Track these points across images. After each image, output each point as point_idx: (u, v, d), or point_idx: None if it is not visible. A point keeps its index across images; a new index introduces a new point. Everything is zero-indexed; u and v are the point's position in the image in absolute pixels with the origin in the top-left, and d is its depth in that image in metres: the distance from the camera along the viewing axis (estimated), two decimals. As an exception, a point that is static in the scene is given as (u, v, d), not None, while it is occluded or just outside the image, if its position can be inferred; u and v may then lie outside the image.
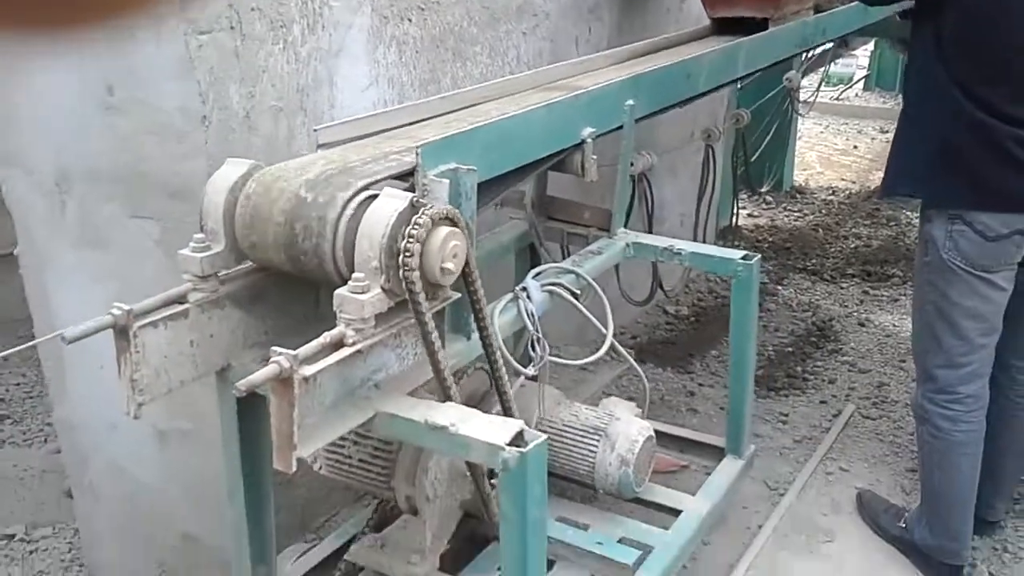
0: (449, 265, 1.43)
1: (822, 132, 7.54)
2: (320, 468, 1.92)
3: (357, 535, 1.97)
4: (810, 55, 4.36)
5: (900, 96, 8.18)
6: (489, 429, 1.42)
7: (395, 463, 1.82)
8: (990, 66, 2.02)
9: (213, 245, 1.53)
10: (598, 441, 2.07)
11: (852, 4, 3.21)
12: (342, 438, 1.84)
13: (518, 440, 1.41)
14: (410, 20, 2.27)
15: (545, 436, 1.42)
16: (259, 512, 1.76)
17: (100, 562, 2.48)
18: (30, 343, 2.18)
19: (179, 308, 1.50)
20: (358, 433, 1.87)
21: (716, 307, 4.12)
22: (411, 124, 1.85)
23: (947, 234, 2.15)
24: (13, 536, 2.76)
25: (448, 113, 1.94)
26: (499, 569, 1.94)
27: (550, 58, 2.80)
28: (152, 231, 1.98)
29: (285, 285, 1.67)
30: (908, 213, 5.40)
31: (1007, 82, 2.02)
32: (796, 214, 5.43)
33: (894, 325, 3.97)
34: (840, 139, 7.40)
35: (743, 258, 2.17)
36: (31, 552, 2.71)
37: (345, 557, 1.90)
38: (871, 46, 7.45)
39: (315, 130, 1.67)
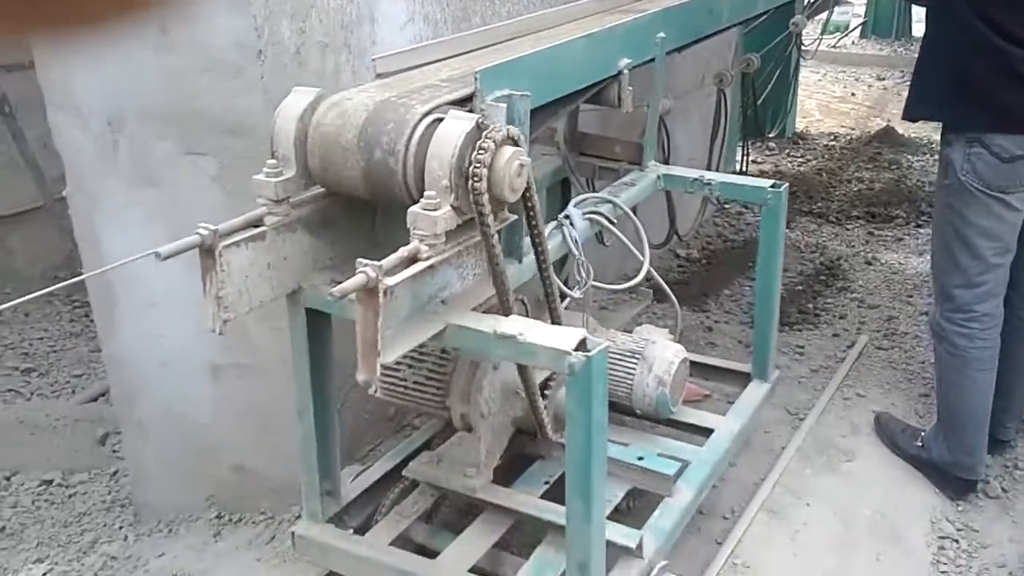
0: (515, 183, 1.52)
1: (820, 80, 7.60)
2: (376, 392, 2.01)
3: (412, 454, 2.07)
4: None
5: (896, 43, 8.19)
6: (555, 336, 1.51)
7: (450, 383, 1.91)
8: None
9: (285, 170, 1.61)
10: (636, 363, 2.17)
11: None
12: (398, 362, 1.93)
13: (582, 346, 1.50)
14: (443, -41, 2.32)
15: (606, 342, 1.52)
16: (326, 429, 1.85)
17: (148, 498, 2.57)
18: (82, 276, 2.27)
19: (256, 231, 1.58)
20: (413, 356, 1.96)
21: (725, 250, 4.22)
22: (458, 55, 1.91)
23: (965, 156, 2.24)
24: (51, 481, 2.83)
25: (490, 45, 2.01)
26: (546, 482, 2.05)
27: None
28: (208, 167, 2.05)
29: (349, 211, 1.75)
30: (909, 156, 5.50)
31: (1017, 4, 2.10)
32: (799, 159, 5.52)
33: (900, 263, 4.08)
34: (838, 87, 7.47)
35: (772, 186, 2.26)
36: (70, 496, 2.80)
37: (404, 472, 2.00)
38: (868, -7, 7.49)
39: (373, 60, 1.74)
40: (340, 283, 1.63)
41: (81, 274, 2.30)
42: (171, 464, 2.47)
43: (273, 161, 1.61)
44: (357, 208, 1.76)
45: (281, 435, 2.29)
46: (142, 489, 2.55)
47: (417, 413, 2.18)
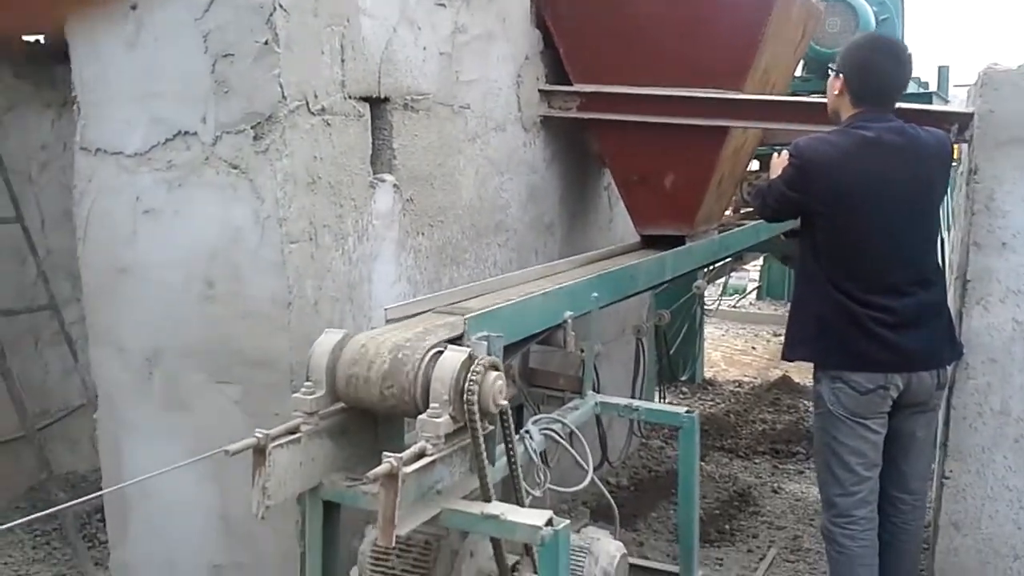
0: (498, 399, 2.04)
1: (723, 335, 8.52)
2: (367, 581, 2.38)
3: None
4: (713, 267, 5.30)
5: (788, 303, 9.22)
6: (529, 516, 1.98)
7: (433, 569, 2.31)
8: (848, 268, 2.82)
9: (317, 390, 2.10)
10: (584, 557, 2.59)
11: (747, 226, 4.10)
12: (387, 550, 2.33)
13: (550, 523, 1.96)
14: (422, 234, 2.98)
15: (568, 520, 1.99)
16: (332, 609, 2.20)
17: None
18: (106, 490, 2.64)
19: (294, 436, 2.04)
20: (401, 548, 2.36)
21: (650, 479, 4.72)
22: (441, 307, 2.50)
23: (831, 391, 2.87)
24: None
25: (465, 300, 2.60)
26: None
27: (518, 264, 3.53)
28: (233, 394, 2.52)
29: (358, 423, 2.23)
30: (805, 401, 6.22)
31: (861, 278, 2.82)
32: (710, 402, 6.19)
33: (802, 492, 4.63)
34: (739, 341, 8.37)
35: (687, 411, 2.83)
36: None
37: (392, 652, 2.32)
38: (760, 261, 8.61)
39: (385, 309, 2.30)
40: (353, 479, 2.11)
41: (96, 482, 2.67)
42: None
43: (309, 383, 2.11)
44: (364, 420, 2.24)
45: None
46: None
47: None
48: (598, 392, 3.28)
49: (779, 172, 3.00)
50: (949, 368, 2.97)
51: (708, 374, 6.89)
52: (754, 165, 4.71)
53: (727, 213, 4.29)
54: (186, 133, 2.45)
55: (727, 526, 4.11)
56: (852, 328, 2.84)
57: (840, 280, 2.86)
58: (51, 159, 4.59)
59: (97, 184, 2.62)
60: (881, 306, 2.82)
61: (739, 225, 4.12)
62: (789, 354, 3.02)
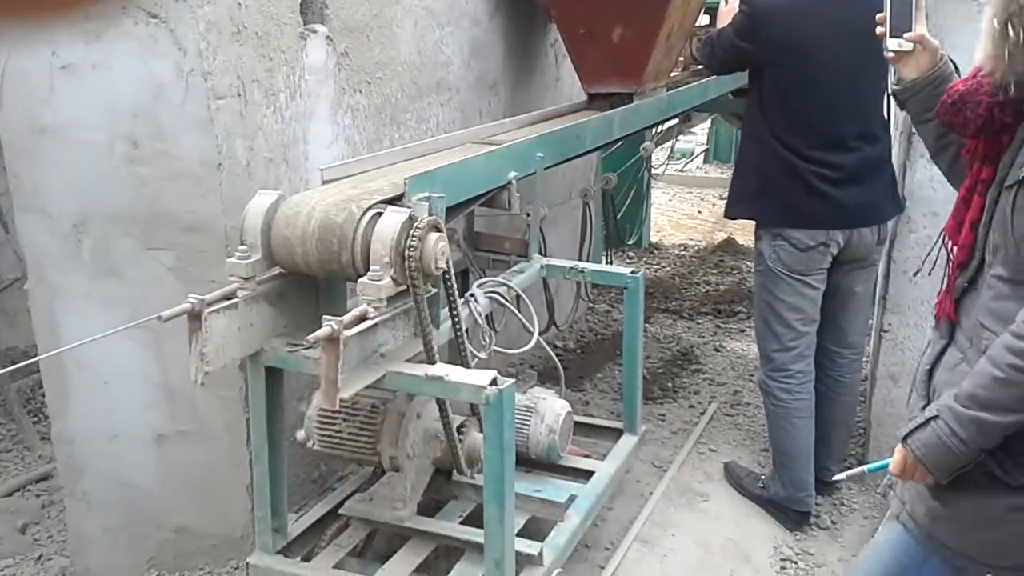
0: (440, 261, 1.99)
1: (670, 200, 8.53)
2: (313, 445, 2.39)
3: (342, 501, 2.43)
4: (660, 129, 5.22)
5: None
6: (473, 376, 1.97)
7: (380, 431, 2.31)
8: (795, 120, 2.78)
9: (252, 254, 2.03)
10: (530, 416, 2.63)
11: (696, 83, 4.01)
12: (333, 414, 2.33)
13: (494, 383, 1.96)
14: (360, 92, 2.84)
15: (513, 379, 1.98)
16: (277, 472, 2.21)
17: (90, 565, 2.79)
18: (40, 356, 2.57)
19: (231, 301, 1.98)
20: (347, 412, 2.36)
21: (597, 341, 4.79)
22: (380, 167, 2.41)
23: (772, 248, 2.88)
24: (-24, 568, 2.99)
25: (404, 161, 2.51)
26: (459, 516, 2.45)
27: (461, 124, 3.41)
28: (166, 260, 2.43)
29: (299, 288, 2.17)
30: (748, 263, 6.31)
31: (807, 133, 2.79)
32: (655, 266, 6.24)
33: (743, 349, 4.74)
34: (686, 205, 8.40)
35: (632, 272, 2.82)
36: (-3, 580, 2.96)
37: (340, 511, 2.36)
38: (708, 124, 8.54)
39: (321, 169, 2.21)
40: (295, 344, 2.07)
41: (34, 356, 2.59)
42: (115, 530, 2.72)
43: (244, 247, 2.03)
44: (305, 285, 2.19)
45: (220, 495, 2.60)
46: (84, 557, 2.77)
47: (349, 461, 2.54)
48: (545, 256, 3.26)
49: (729, 21, 2.91)
50: (890, 224, 3.00)
51: (655, 238, 6.92)
52: (704, 20, 4.57)
53: (675, 73, 4.18)
54: (99, -22, 2.25)
55: (670, 384, 4.21)
56: (794, 184, 2.83)
57: (785, 135, 2.83)
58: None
59: (9, 39, 2.43)
60: (825, 162, 2.80)
61: (688, 83, 4.02)
62: (731, 211, 3.02)
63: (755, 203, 2.90)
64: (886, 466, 1.67)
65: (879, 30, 1.77)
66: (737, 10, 2.84)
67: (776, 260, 2.86)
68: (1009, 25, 1.46)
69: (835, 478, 2.01)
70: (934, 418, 1.56)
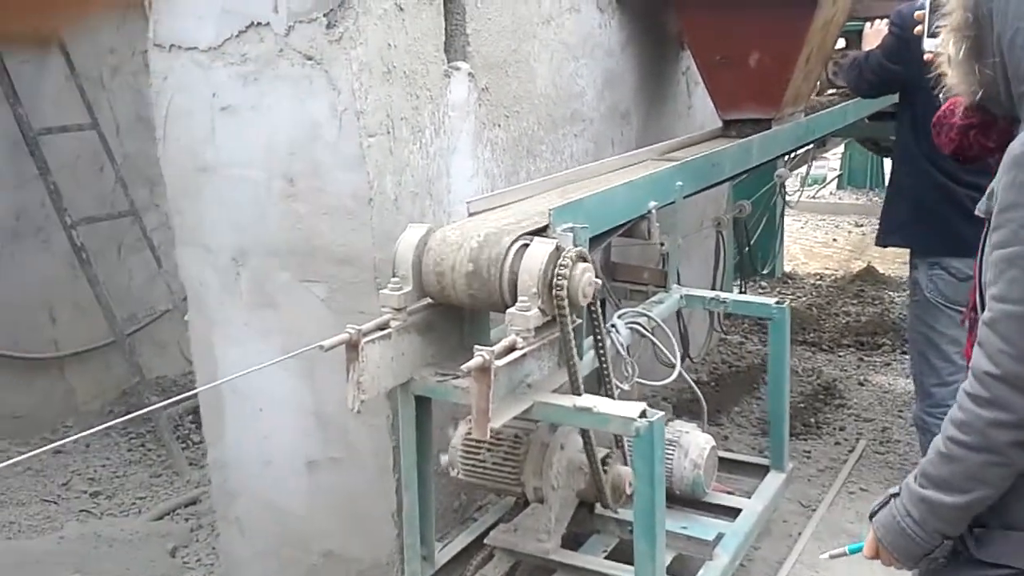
0: (587, 291, 1.98)
1: (802, 228, 8.27)
2: (458, 474, 2.41)
3: (487, 530, 2.44)
4: (795, 155, 5.09)
5: (871, 192, 8.91)
6: (622, 407, 1.95)
7: (524, 462, 2.31)
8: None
9: (404, 286, 2.07)
10: (673, 450, 2.57)
11: (835, 107, 3.89)
12: (478, 444, 2.34)
13: (643, 415, 1.93)
14: (499, 126, 2.88)
15: (663, 412, 1.95)
16: (426, 500, 2.23)
17: (240, 587, 2.90)
18: (199, 388, 2.70)
19: (384, 332, 2.03)
20: (490, 442, 2.36)
21: (731, 374, 4.67)
22: (527, 198, 2.43)
23: (928, 278, 2.74)
24: (132, 588, 3.14)
25: (544, 193, 2.53)
26: (604, 551, 2.41)
27: (594, 155, 3.42)
28: (319, 292, 2.51)
29: (445, 319, 2.20)
30: (890, 292, 6.04)
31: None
32: (791, 296, 6.05)
33: (890, 383, 4.52)
34: (819, 233, 8.13)
35: (776, 302, 2.74)
36: (149, 601, 3.09)
37: (486, 541, 2.36)
38: (841, 149, 8.27)
39: (467, 202, 2.25)
40: (443, 374, 2.09)
41: (192, 389, 2.73)
42: (265, 554, 2.81)
43: (396, 279, 2.08)
44: (451, 316, 2.22)
45: (368, 521, 2.65)
46: (236, 578, 2.88)
47: (493, 491, 2.55)
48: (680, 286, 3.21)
49: (877, 43, 2.81)
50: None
51: (788, 268, 6.73)
52: (840, 43, 4.44)
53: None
54: (258, 24, 2.37)
55: (813, 419, 4.05)
56: (952, 210, 2.70)
57: (940, 159, 2.69)
58: (121, 63, 4.58)
59: (173, 82, 2.59)
60: (982, 186, 2.64)
61: (827, 107, 3.91)
62: (884, 240, 2.90)
63: (910, 231, 2.77)
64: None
65: (917, 29, 1.68)
66: (886, 32, 2.74)
67: (934, 290, 2.72)
68: (951, 41, 1.36)
69: (821, 556, 1.82)
70: (895, 495, 1.41)
